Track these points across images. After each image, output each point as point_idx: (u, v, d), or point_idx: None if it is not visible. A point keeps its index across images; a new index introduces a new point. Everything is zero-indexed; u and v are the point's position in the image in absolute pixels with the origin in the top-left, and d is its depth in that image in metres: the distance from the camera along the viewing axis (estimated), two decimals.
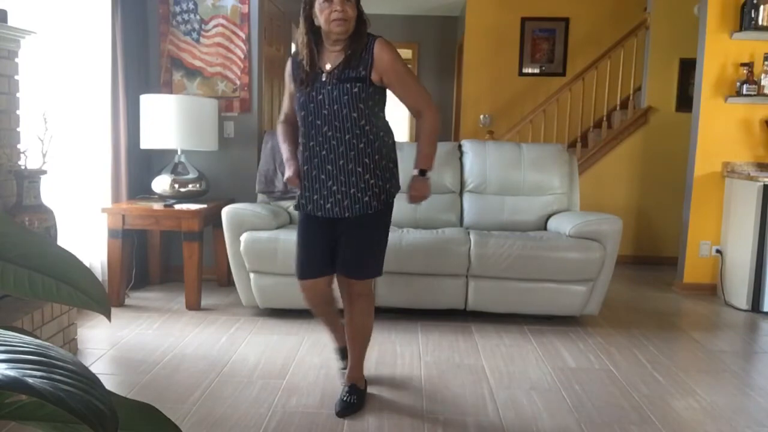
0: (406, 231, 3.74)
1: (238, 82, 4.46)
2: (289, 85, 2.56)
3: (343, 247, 2.49)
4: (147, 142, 4.00)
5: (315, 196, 2.45)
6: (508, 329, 3.64)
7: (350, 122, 2.35)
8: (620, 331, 3.66)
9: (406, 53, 9.90)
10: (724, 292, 4.40)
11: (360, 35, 2.35)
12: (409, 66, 2.48)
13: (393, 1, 8.00)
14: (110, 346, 3.22)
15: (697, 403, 2.65)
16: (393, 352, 3.22)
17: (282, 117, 2.68)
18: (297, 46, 2.45)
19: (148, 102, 3.97)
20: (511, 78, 6.69)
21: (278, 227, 3.80)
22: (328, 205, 2.43)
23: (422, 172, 2.52)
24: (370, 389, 2.74)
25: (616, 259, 3.65)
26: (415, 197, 2.51)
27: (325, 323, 2.86)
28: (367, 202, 2.41)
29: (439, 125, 2.54)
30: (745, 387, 2.89)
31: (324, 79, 2.37)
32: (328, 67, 2.37)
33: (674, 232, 5.39)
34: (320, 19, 2.32)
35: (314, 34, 2.39)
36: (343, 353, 2.85)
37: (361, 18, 2.35)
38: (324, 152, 2.39)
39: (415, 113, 2.52)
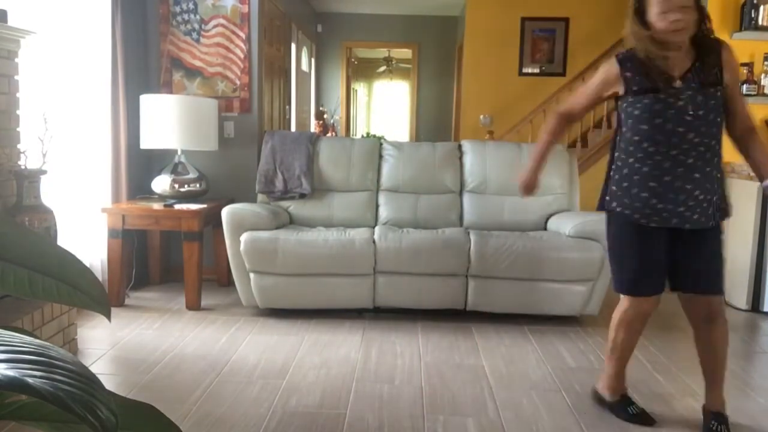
0: (406, 231, 3.74)
1: (238, 82, 4.46)
2: (599, 84, 2.41)
3: (697, 262, 2.35)
4: (147, 142, 4.00)
5: (680, 209, 2.27)
6: (508, 329, 3.63)
7: (716, 128, 2.26)
8: None
9: (406, 53, 9.92)
10: (724, 292, 4.39)
11: (706, 36, 2.25)
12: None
13: (393, 1, 8.00)
14: (110, 346, 3.22)
15: (697, 403, 2.64)
16: (393, 352, 3.22)
17: (565, 109, 2.56)
18: (635, 45, 2.29)
19: (148, 102, 3.97)
20: (511, 78, 6.69)
21: (278, 227, 3.80)
22: (696, 216, 2.28)
23: None
24: (371, 387, 2.74)
25: None
26: None
27: (618, 361, 2.55)
28: (725, 209, 2.35)
29: None
30: (745, 387, 2.89)
31: (679, 84, 2.24)
32: (676, 71, 2.25)
33: None
34: (656, 24, 2.20)
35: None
36: (615, 395, 2.56)
37: (703, 15, 2.23)
38: (690, 160, 2.25)
39: (744, 129, 2.33)
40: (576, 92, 2.61)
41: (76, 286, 0.93)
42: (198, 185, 4.11)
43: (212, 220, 4.07)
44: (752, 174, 4.32)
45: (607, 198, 2.44)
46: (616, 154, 2.42)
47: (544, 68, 6.71)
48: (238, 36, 4.42)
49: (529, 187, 2.57)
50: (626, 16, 2.30)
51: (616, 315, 2.51)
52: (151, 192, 4.14)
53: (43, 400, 0.71)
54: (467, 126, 6.78)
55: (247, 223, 3.65)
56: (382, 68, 12.28)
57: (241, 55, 4.43)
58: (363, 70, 12.55)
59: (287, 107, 6.27)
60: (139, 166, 4.34)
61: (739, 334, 3.73)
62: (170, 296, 4.16)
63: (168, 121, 3.92)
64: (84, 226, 3.82)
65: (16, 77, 3.01)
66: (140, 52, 4.36)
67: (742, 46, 4.43)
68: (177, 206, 3.89)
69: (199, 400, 2.60)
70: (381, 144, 4.41)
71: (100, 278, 3.53)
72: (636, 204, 2.33)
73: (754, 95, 4.36)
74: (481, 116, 6.74)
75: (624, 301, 2.47)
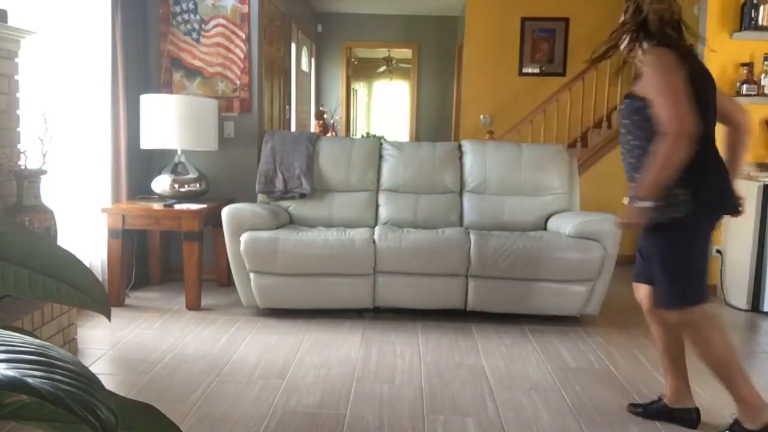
0: (406, 231, 3.74)
1: (238, 82, 4.46)
2: None
3: None
4: (147, 142, 4.00)
5: None
6: (508, 329, 3.63)
7: (630, 135, 2.35)
8: (620, 331, 3.66)
9: (406, 53, 9.91)
10: (724, 292, 4.40)
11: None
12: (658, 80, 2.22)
13: (393, 1, 8.00)
14: (110, 346, 3.22)
15: (697, 403, 2.64)
16: (393, 352, 3.22)
17: None
18: None
19: (148, 102, 3.97)
20: (511, 78, 6.69)
21: (278, 227, 3.80)
22: None
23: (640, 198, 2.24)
24: (371, 387, 2.74)
25: (616, 259, 3.65)
26: (619, 223, 2.37)
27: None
28: None
29: (676, 153, 2.12)
30: None
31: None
32: None
33: None
34: None
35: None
36: (656, 405, 2.58)
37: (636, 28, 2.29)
38: (624, 160, 2.46)
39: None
40: None
41: (76, 286, 0.93)
42: (198, 185, 4.11)
43: (212, 220, 4.07)
44: (751, 174, 4.34)
45: None
46: None
47: (544, 68, 6.70)
48: (238, 36, 4.42)
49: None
50: None
51: None
52: (151, 192, 4.14)
53: (43, 400, 0.71)
54: (467, 126, 6.78)
55: (247, 223, 3.65)
56: (382, 68, 12.28)
57: (241, 55, 4.43)
58: (363, 70, 12.55)
59: (287, 107, 6.27)
60: (139, 166, 4.34)
61: (739, 334, 3.73)
62: (170, 296, 4.16)
63: (168, 121, 3.92)
64: (84, 226, 3.83)
65: (16, 77, 3.01)
66: (140, 52, 4.36)
67: (742, 46, 4.44)
68: (177, 206, 3.90)
69: (199, 400, 2.60)
70: (381, 144, 4.41)
71: (100, 278, 3.53)
72: None
73: (754, 95, 4.36)
74: (481, 116, 6.74)
75: None
